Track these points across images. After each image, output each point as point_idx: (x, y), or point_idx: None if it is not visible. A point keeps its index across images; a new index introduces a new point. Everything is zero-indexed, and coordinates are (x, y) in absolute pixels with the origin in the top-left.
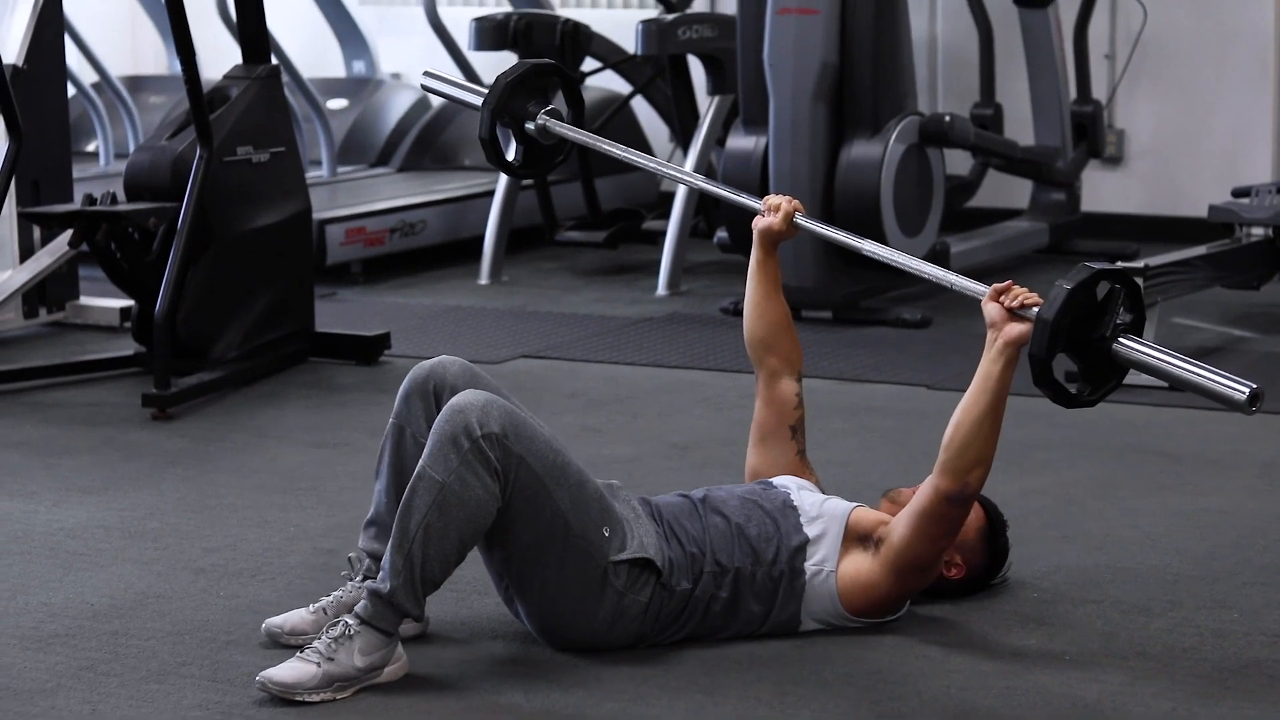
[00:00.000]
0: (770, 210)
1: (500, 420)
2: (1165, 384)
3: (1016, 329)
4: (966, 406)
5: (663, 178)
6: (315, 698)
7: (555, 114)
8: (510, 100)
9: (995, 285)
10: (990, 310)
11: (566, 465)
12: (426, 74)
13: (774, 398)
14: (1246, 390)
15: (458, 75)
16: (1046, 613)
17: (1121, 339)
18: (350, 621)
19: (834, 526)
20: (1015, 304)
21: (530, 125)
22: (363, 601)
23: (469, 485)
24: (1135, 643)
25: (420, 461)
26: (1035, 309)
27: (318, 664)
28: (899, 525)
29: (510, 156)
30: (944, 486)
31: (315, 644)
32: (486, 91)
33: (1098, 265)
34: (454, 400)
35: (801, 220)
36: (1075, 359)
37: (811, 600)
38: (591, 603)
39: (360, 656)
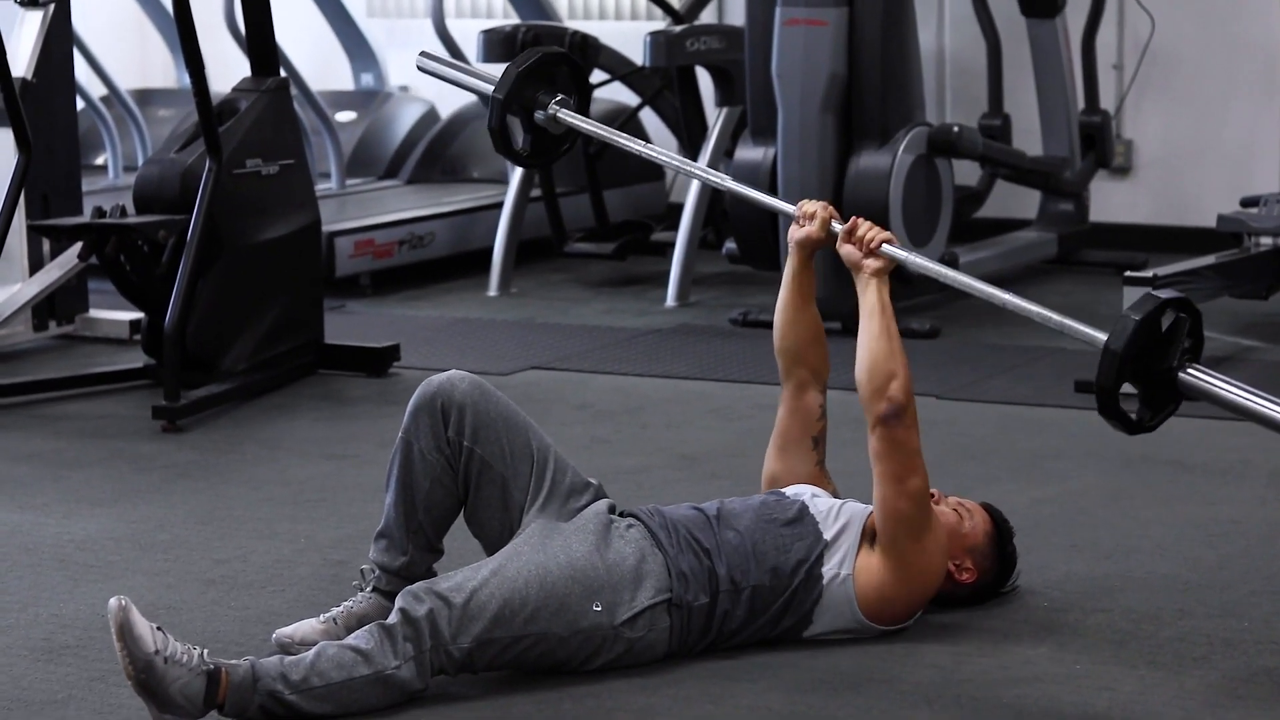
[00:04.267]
0: (806, 218)
1: (470, 630)
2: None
3: (876, 264)
4: (863, 338)
5: (685, 175)
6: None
7: (565, 103)
8: (521, 90)
9: (841, 226)
10: (847, 252)
11: (544, 593)
12: (423, 54)
13: (799, 408)
14: None
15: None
16: (1057, 621)
17: (1188, 369)
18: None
19: (853, 526)
20: (874, 247)
21: (540, 114)
22: (246, 666)
23: (403, 680)
24: (1145, 652)
25: (376, 635)
26: (886, 245)
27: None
28: (875, 494)
29: (519, 146)
30: (876, 412)
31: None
32: (495, 81)
33: (1165, 295)
34: (433, 603)
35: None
36: (1138, 385)
37: (829, 605)
38: (616, 653)
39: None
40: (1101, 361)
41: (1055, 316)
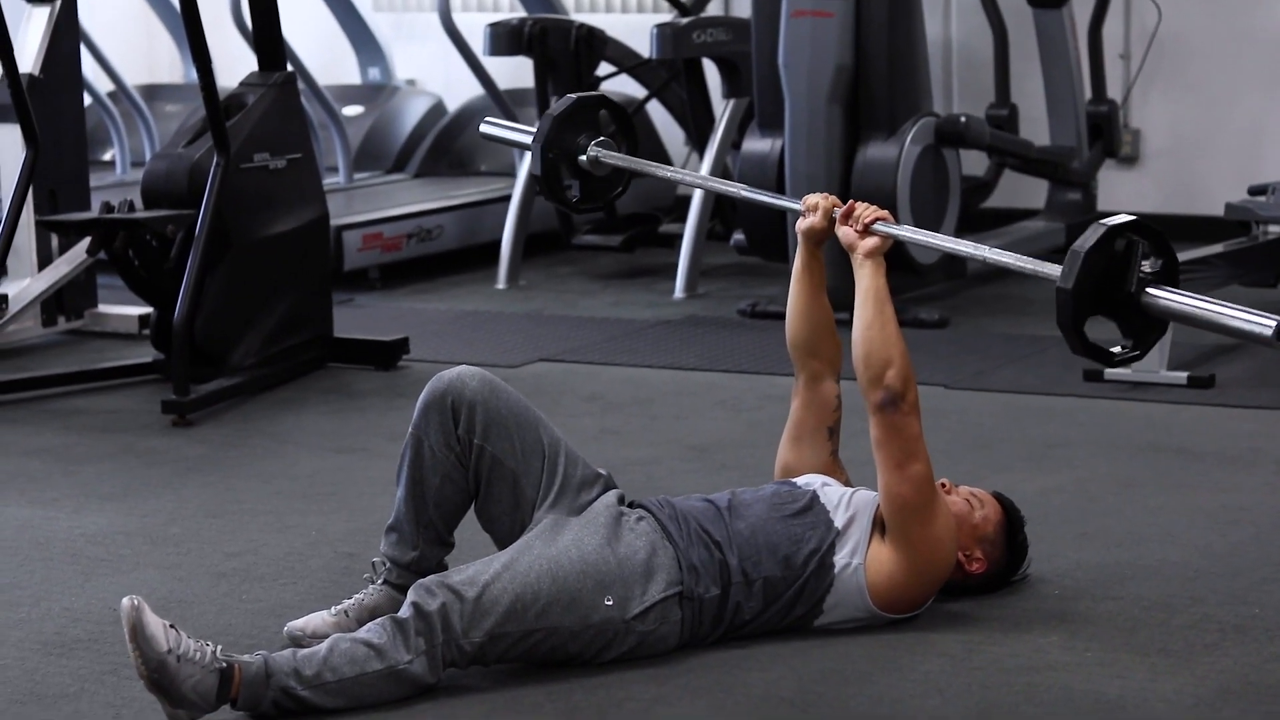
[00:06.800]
0: (809, 210)
1: (482, 624)
2: (1195, 328)
3: (871, 242)
4: (859, 324)
5: (712, 191)
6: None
7: (607, 145)
8: (560, 135)
9: (840, 210)
10: (843, 234)
11: (556, 588)
12: (486, 121)
13: (814, 399)
14: (1273, 324)
15: (485, 94)
16: (1067, 610)
17: (1148, 290)
18: (221, 660)
19: (864, 515)
20: (868, 223)
21: (582, 158)
22: (258, 662)
23: (415, 675)
24: (1156, 639)
25: (387, 630)
26: (882, 223)
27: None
28: (879, 481)
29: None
30: (874, 400)
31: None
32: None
33: (1112, 221)
34: (444, 598)
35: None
36: (1111, 318)
37: (840, 594)
38: (627, 647)
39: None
40: (1057, 301)
41: (1029, 263)
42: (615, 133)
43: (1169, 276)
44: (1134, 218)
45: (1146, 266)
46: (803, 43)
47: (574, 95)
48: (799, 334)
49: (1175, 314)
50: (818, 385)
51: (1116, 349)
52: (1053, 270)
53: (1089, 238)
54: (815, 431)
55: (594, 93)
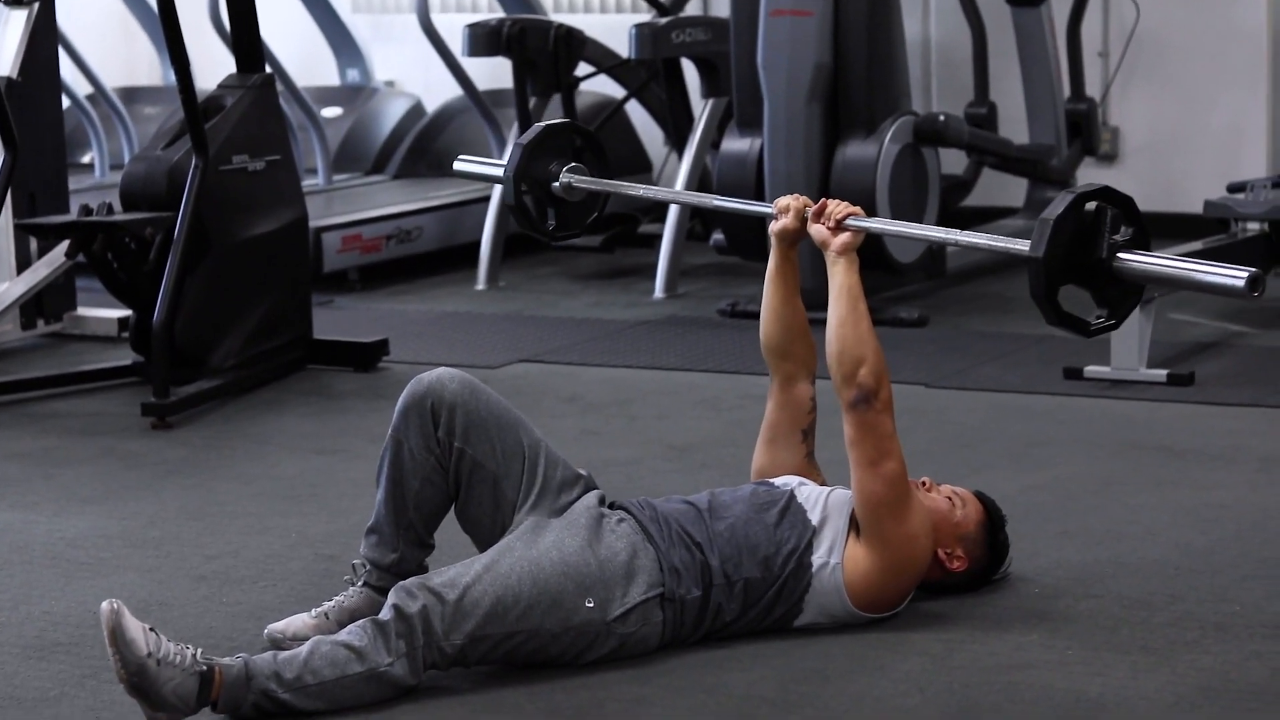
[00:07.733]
0: (781, 213)
1: (463, 626)
2: (1170, 290)
3: (843, 239)
4: (832, 321)
5: (686, 205)
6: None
7: (579, 170)
8: (530, 164)
9: (812, 208)
10: (815, 231)
11: (537, 590)
12: (459, 160)
13: (788, 401)
14: (1245, 275)
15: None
16: (1048, 608)
17: (1120, 255)
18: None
19: (839, 514)
20: (839, 218)
21: (556, 185)
22: (238, 664)
23: (396, 677)
24: (1137, 637)
25: (366, 631)
26: (853, 218)
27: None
28: (852, 479)
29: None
30: (846, 398)
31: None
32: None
33: (1079, 189)
34: (425, 600)
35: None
36: (1085, 288)
37: (818, 593)
38: (608, 649)
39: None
40: (1029, 271)
41: (1000, 241)
42: (584, 154)
43: (1140, 243)
44: (1102, 185)
45: (1118, 237)
46: (781, 42)
47: (541, 124)
48: (772, 336)
49: (1149, 275)
50: (791, 387)
51: (1090, 318)
52: (1023, 246)
53: (1057, 205)
54: (790, 434)
55: (562, 120)
